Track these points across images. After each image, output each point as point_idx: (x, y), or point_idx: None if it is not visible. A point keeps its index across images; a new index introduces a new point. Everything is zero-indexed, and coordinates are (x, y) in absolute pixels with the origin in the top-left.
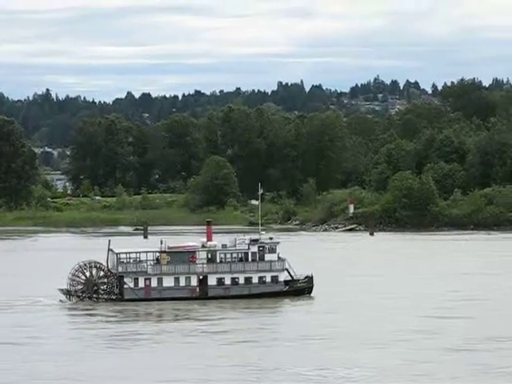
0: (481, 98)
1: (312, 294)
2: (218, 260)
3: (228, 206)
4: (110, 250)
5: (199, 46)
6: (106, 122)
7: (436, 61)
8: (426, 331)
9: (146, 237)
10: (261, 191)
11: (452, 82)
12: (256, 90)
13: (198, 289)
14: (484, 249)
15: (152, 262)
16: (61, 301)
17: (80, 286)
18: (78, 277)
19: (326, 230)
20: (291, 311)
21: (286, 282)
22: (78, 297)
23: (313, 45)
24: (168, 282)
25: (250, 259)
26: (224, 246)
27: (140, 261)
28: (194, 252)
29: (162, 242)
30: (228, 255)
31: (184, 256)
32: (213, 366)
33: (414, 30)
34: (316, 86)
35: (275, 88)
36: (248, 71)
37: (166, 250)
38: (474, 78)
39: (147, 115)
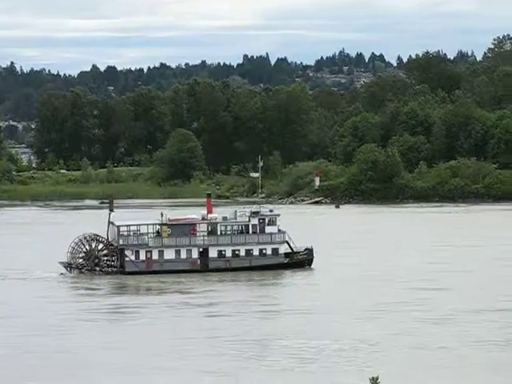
0: (446, 71)
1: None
2: (218, 232)
3: (194, 179)
4: (110, 222)
5: (164, 18)
6: (71, 95)
7: (401, 33)
8: (411, 303)
9: (111, 210)
10: (261, 163)
11: (417, 55)
12: (222, 63)
13: (198, 261)
14: (459, 220)
15: (153, 235)
16: (61, 274)
17: (81, 259)
18: (79, 249)
19: (292, 203)
20: (281, 284)
21: (287, 254)
22: (79, 269)
23: (278, 18)
24: (169, 254)
25: (250, 231)
26: (224, 218)
27: (141, 233)
28: (195, 224)
29: (162, 215)
30: (229, 227)
31: (185, 228)
32: (195, 339)
33: (378, 3)
34: (281, 59)
35: (241, 61)
36: (213, 44)
37: (167, 222)
38: (438, 51)
39: (112, 88)
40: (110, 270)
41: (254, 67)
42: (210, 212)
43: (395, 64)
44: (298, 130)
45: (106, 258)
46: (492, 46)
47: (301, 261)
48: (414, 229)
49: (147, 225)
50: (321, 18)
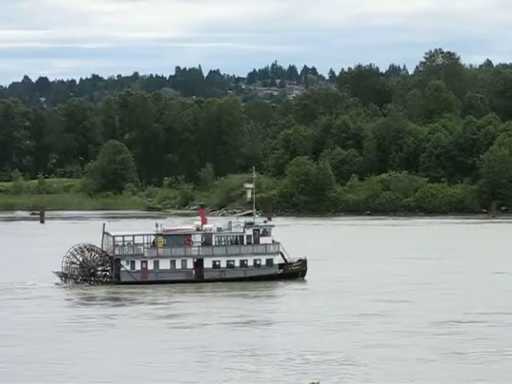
0: (377, 84)
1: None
2: (213, 243)
3: (126, 190)
4: (105, 233)
5: (96, 30)
6: (3, 106)
7: (333, 46)
8: (376, 315)
9: (42, 221)
10: (254, 175)
11: (349, 68)
12: (154, 75)
13: (193, 272)
14: (402, 233)
15: (148, 245)
16: (56, 284)
17: (76, 269)
18: (74, 260)
19: (223, 215)
20: (250, 296)
21: (281, 265)
22: (75, 280)
23: (210, 30)
24: (164, 264)
25: (245, 242)
26: (219, 229)
27: (136, 244)
28: (190, 235)
29: (157, 225)
30: (223, 238)
31: (180, 239)
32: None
33: (310, 16)
34: (214, 71)
35: (173, 73)
36: (145, 56)
37: (162, 232)
38: (370, 64)
39: (44, 99)
40: (105, 280)
41: (187, 79)
42: (204, 223)
43: (327, 77)
44: (230, 143)
45: (101, 268)
46: (424, 60)
47: (295, 272)
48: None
49: (143, 235)
50: (253, 30)
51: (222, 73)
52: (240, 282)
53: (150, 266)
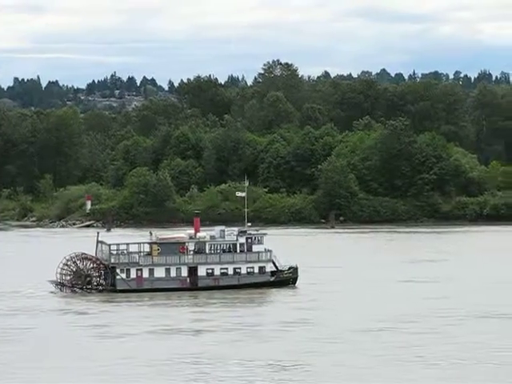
0: (217, 95)
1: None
2: (207, 251)
3: None
4: (99, 241)
5: None
6: None
7: (172, 58)
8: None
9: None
10: (247, 183)
11: (188, 79)
12: None
13: (188, 279)
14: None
15: (143, 254)
16: (52, 292)
17: (71, 277)
18: (70, 268)
19: (63, 227)
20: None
21: (273, 273)
22: (70, 288)
23: (48, 41)
24: (159, 272)
25: (238, 250)
26: (212, 237)
27: (131, 252)
28: (184, 243)
29: (151, 234)
30: (217, 246)
31: (174, 247)
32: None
33: (149, 27)
34: (52, 82)
35: (11, 84)
36: None
37: (157, 241)
38: (210, 75)
39: None
40: (101, 288)
41: (25, 90)
42: (197, 231)
43: (167, 88)
44: (69, 154)
45: (96, 276)
46: (262, 71)
47: (286, 279)
48: None
49: (138, 243)
50: (91, 41)
51: (60, 84)
52: (233, 290)
53: (145, 274)
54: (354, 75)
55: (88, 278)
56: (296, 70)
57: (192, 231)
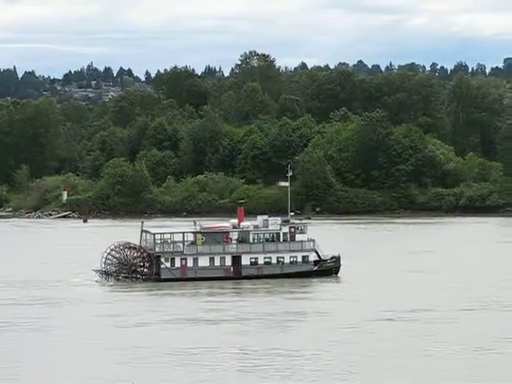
0: (193, 86)
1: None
2: (251, 240)
3: None
4: (144, 230)
5: None
6: None
7: (149, 48)
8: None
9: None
10: (290, 173)
11: (165, 70)
12: None
13: (231, 268)
14: None
15: (187, 243)
16: (96, 281)
17: (117, 267)
18: (115, 257)
19: (39, 217)
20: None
21: (316, 262)
22: (116, 277)
23: (24, 30)
24: (203, 261)
25: (281, 239)
26: (256, 226)
27: (175, 241)
28: (228, 232)
29: (195, 223)
30: (261, 235)
31: (218, 236)
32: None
33: (126, 18)
34: (29, 72)
35: None
36: None
37: (201, 230)
38: (186, 66)
39: None
40: (145, 277)
41: (1, 80)
42: (241, 220)
43: (143, 79)
44: (45, 144)
45: (140, 265)
46: (239, 62)
47: (329, 268)
48: None
49: (182, 233)
50: (68, 31)
51: (37, 74)
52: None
53: (190, 263)
54: (331, 66)
55: (133, 267)
56: (273, 61)
57: (235, 220)
